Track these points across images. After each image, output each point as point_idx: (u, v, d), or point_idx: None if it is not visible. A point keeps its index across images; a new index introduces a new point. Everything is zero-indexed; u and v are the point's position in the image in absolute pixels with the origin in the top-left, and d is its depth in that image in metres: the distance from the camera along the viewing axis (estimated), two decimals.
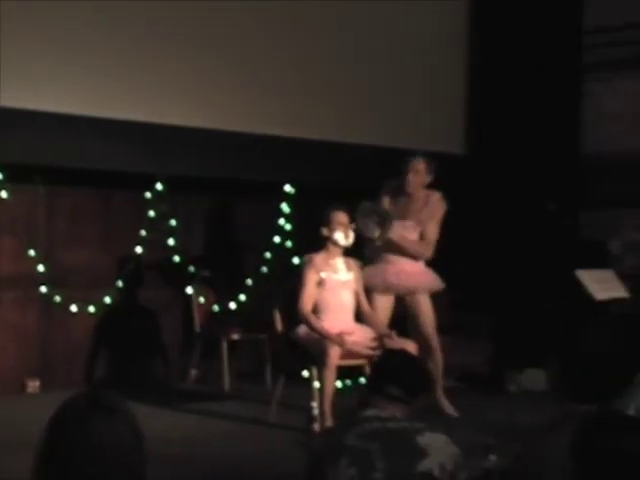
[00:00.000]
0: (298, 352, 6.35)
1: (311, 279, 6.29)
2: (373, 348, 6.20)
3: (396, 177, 6.75)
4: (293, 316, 6.41)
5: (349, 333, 6.18)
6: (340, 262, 6.41)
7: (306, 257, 6.40)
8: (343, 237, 6.34)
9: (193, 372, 7.82)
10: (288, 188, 8.25)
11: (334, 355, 5.98)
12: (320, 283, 6.31)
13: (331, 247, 6.36)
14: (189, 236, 7.99)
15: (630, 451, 2.19)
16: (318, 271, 6.30)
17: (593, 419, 2.29)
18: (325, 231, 6.35)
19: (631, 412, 4.77)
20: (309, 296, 6.29)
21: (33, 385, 7.28)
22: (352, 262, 6.49)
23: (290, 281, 6.63)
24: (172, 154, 7.41)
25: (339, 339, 6.07)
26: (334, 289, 6.35)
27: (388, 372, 3.10)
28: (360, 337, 6.27)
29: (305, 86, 8.16)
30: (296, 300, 6.30)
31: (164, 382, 7.88)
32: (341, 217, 6.35)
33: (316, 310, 6.32)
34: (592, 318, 7.27)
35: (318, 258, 6.35)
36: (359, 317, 6.46)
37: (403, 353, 3.80)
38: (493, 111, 9.09)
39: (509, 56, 8.98)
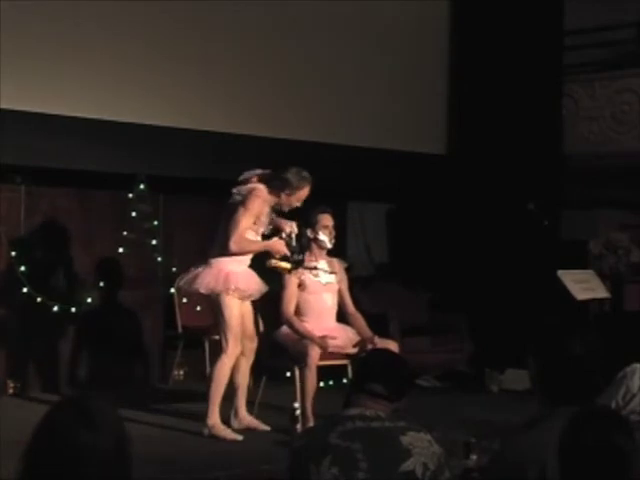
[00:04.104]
0: (280, 352, 6.37)
1: (292, 281, 6.30)
2: (354, 354, 6.24)
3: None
4: (275, 316, 6.43)
5: (333, 337, 6.20)
6: (323, 264, 6.42)
7: None
8: (328, 239, 6.35)
9: (175, 372, 7.81)
10: None
11: (315, 355, 6.01)
12: (301, 285, 6.32)
13: (315, 249, 6.37)
14: (171, 236, 7.97)
15: (617, 446, 2.20)
16: (298, 273, 6.31)
17: (580, 416, 2.31)
18: (310, 232, 6.35)
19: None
20: (291, 298, 6.31)
21: (14, 386, 7.25)
22: (336, 263, 6.50)
23: (273, 282, 6.64)
24: (154, 154, 7.40)
25: (322, 342, 6.09)
26: (316, 292, 6.36)
27: (372, 370, 3.11)
28: (343, 340, 6.30)
29: (288, 86, 8.16)
30: (279, 302, 6.32)
31: (145, 382, 7.86)
32: (326, 219, 6.36)
33: (298, 312, 6.34)
34: (573, 318, 7.32)
35: None
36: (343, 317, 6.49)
37: (387, 351, 3.82)
38: (474, 112, 9.11)
39: (490, 57, 9.00)
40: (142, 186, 7.61)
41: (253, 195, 5.98)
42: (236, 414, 6.26)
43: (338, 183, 8.44)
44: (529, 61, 8.92)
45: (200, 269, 6.09)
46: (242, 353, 6.18)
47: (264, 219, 6.10)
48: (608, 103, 9.54)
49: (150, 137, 7.31)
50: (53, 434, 2.02)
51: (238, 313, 6.04)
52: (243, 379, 6.25)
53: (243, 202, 5.96)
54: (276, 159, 7.93)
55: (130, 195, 7.62)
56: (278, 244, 6.03)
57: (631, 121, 9.43)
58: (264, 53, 7.96)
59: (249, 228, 6.00)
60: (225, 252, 5.99)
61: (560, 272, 7.64)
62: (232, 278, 5.99)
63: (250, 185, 6.04)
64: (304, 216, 6.40)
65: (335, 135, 8.35)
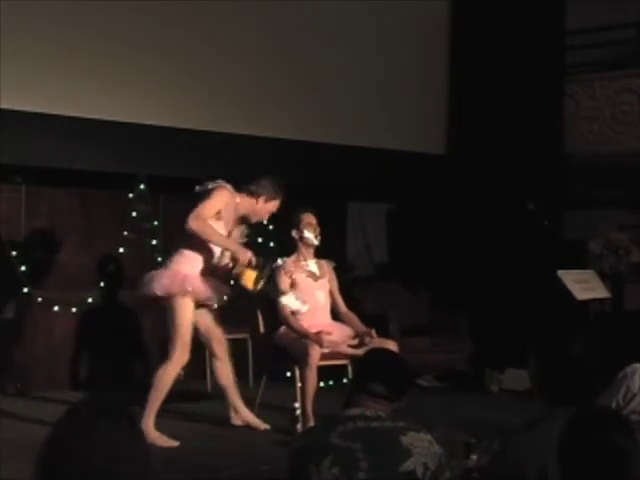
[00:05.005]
0: (280, 352, 6.38)
1: (284, 282, 6.36)
2: (353, 346, 6.26)
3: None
4: (275, 317, 6.45)
5: (328, 333, 6.22)
6: (312, 263, 6.48)
7: (279, 261, 6.47)
8: (313, 236, 6.38)
9: None
10: None
11: (315, 355, 6.02)
12: (292, 285, 6.36)
13: (302, 249, 6.42)
14: (171, 236, 7.97)
15: (618, 446, 2.20)
16: (288, 273, 6.38)
17: (581, 416, 2.31)
18: (295, 232, 6.40)
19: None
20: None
21: (14, 386, 7.25)
22: (325, 263, 6.56)
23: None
24: (154, 154, 7.40)
25: (317, 338, 6.11)
26: (308, 290, 6.41)
27: (372, 370, 3.11)
28: (339, 336, 6.32)
29: (288, 86, 8.16)
30: (274, 303, 6.36)
31: (145, 382, 7.85)
32: (310, 218, 6.41)
33: (293, 311, 6.37)
34: (573, 318, 7.31)
35: (288, 261, 6.44)
36: (337, 318, 6.52)
37: (387, 351, 3.82)
38: (474, 112, 9.11)
39: (491, 57, 9.00)
40: (142, 186, 7.61)
41: (219, 187, 5.87)
42: (236, 411, 6.26)
43: (338, 183, 8.45)
44: (530, 61, 8.92)
45: (156, 272, 5.98)
46: (217, 357, 6.18)
47: (229, 222, 5.96)
48: (608, 103, 9.54)
49: (150, 137, 7.32)
50: (74, 433, 1.97)
51: (191, 319, 5.89)
52: (227, 380, 6.22)
53: (208, 193, 5.86)
54: (276, 159, 7.98)
55: (130, 195, 7.63)
56: (246, 252, 5.84)
57: (631, 121, 9.43)
58: (264, 53, 7.96)
59: (212, 220, 5.81)
60: (183, 237, 5.83)
61: (560, 272, 7.63)
62: (188, 280, 5.85)
63: (216, 182, 5.95)
64: (287, 217, 6.45)
65: (335, 135, 8.35)
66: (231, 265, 5.91)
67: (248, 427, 6.21)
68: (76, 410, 2.02)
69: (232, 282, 6.09)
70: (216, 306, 6.12)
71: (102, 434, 1.95)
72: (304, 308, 6.23)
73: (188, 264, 5.89)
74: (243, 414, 6.27)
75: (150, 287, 5.86)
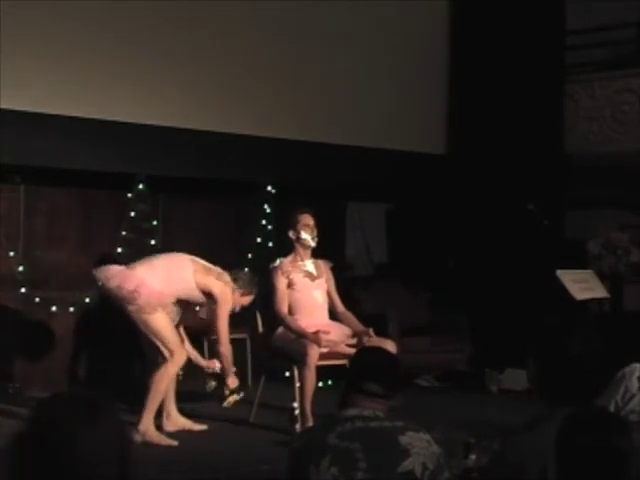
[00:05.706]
0: (278, 352, 6.38)
1: (280, 282, 6.39)
2: (352, 346, 6.26)
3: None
4: (274, 317, 6.46)
5: (326, 332, 6.22)
6: (309, 263, 6.49)
7: (276, 262, 6.49)
8: (310, 237, 6.39)
9: None
10: (270, 188, 8.25)
11: (314, 355, 6.03)
12: (290, 285, 6.37)
13: (299, 249, 6.43)
14: (171, 236, 7.97)
15: (616, 447, 2.20)
16: (285, 273, 6.39)
17: (578, 417, 2.30)
18: (292, 233, 6.42)
19: (611, 409, 4.80)
20: (282, 298, 6.39)
21: (13, 385, 7.25)
22: (321, 263, 6.57)
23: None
24: (154, 154, 7.40)
25: (315, 338, 6.11)
26: (305, 289, 6.43)
27: (366, 369, 3.11)
28: (337, 335, 6.33)
29: (288, 86, 8.16)
30: (271, 304, 6.39)
31: (145, 382, 7.85)
32: (307, 219, 6.42)
33: (290, 311, 6.42)
34: (573, 318, 7.30)
35: (285, 261, 6.46)
36: (334, 317, 6.53)
37: (377, 350, 3.83)
38: (474, 112, 9.10)
39: (491, 57, 8.99)
40: (142, 186, 7.60)
41: (226, 289, 6.11)
42: (168, 417, 6.25)
43: (338, 183, 8.45)
44: (530, 61, 8.91)
45: (125, 270, 6.10)
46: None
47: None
48: (608, 103, 9.53)
49: (150, 137, 7.32)
50: (49, 426, 1.91)
51: (168, 321, 6.03)
52: (171, 383, 6.24)
53: (222, 296, 6.05)
54: (276, 159, 7.98)
55: (130, 195, 7.62)
56: (236, 380, 6.18)
57: (631, 121, 9.42)
58: (264, 53, 7.95)
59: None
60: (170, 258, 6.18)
61: (559, 272, 7.63)
62: (163, 298, 6.02)
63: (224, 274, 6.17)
64: (285, 218, 6.48)
65: (335, 135, 8.34)
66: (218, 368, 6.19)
67: (184, 431, 6.21)
68: (53, 404, 1.98)
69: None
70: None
71: (79, 431, 1.90)
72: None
73: (158, 281, 6.01)
74: (175, 419, 6.27)
75: (128, 292, 5.97)
